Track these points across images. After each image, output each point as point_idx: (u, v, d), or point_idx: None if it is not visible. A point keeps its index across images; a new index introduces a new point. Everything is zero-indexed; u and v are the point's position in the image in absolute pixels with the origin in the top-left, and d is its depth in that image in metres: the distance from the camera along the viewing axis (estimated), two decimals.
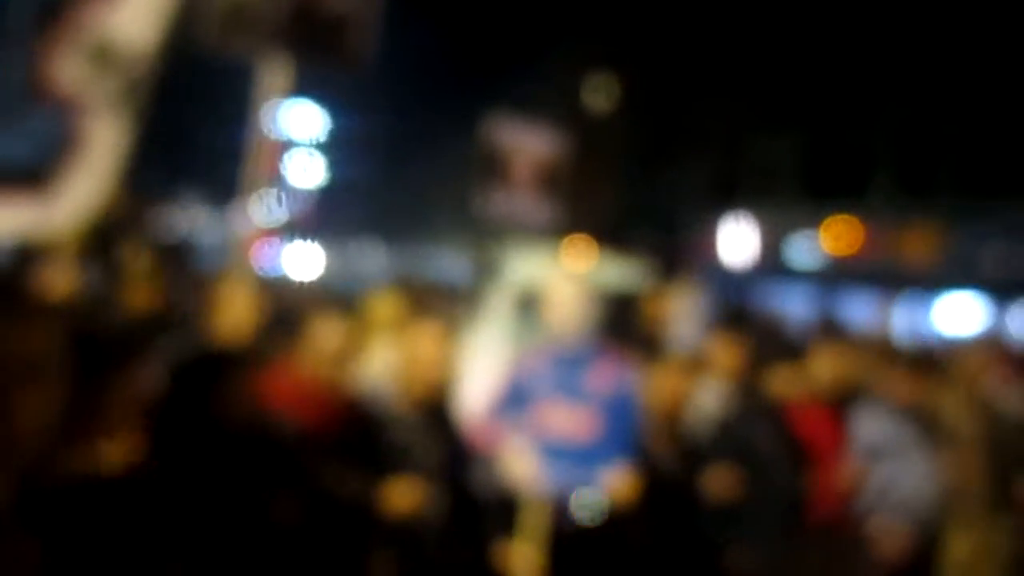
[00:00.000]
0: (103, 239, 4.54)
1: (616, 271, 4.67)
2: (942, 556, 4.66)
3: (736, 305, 9.06)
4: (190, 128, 18.76)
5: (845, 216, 15.43)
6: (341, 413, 3.37)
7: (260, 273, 5.25)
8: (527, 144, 5.73)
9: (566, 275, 4.11)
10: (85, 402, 1.97)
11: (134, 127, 2.67)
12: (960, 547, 4.67)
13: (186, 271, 6.40)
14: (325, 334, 3.42)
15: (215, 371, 2.79)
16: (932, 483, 4.67)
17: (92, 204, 2.61)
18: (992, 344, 6.12)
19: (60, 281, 2.81)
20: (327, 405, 3.35)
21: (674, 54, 15.34)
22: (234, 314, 3.49)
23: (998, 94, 13.85)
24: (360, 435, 3.40)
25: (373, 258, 19.81)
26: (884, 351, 5.52)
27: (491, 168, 5.60)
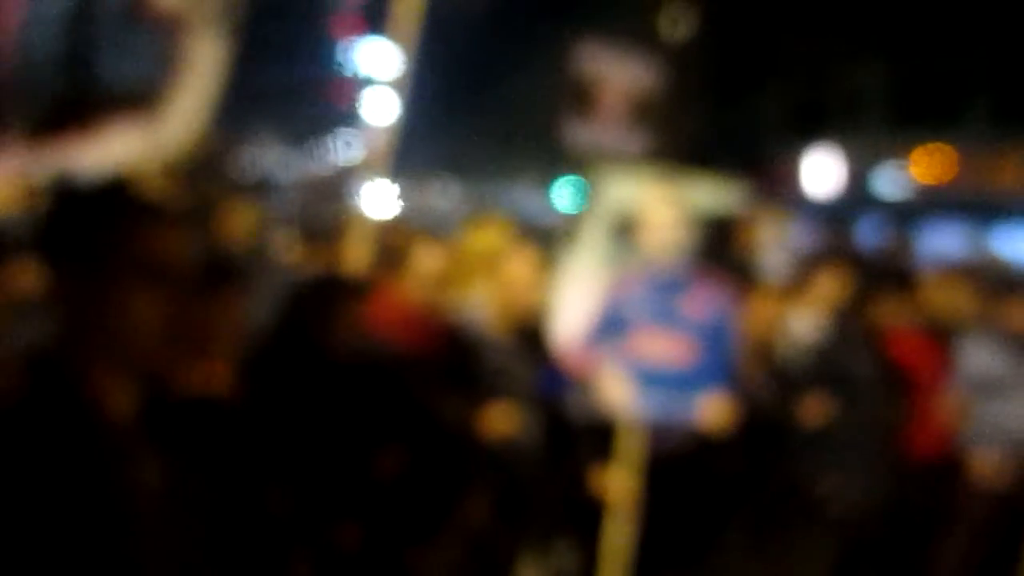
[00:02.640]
0: (191, 175, 4.59)
1: (709, 195, 4.54)
2: None
3: (833, 235, 8.81)
4: (268, 68, 18.88)
5: (936, 144, 14.85)
6: (440, 338, 3.36)
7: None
8: (614, 71, 5.59)
9: (661, 199, 4.00)
10: (192, 322, 1.96)
11: (232, 46, 2.63)
12: None
13: (269, 209, 6.49)
14: (425, 260, 3.40)
15: (331, 298, 2.79)
16: None
17: (197, 125, 2.59)
18: None
19: (174, 196, 2.83)
20: (427, 330, 3.35)
21: None
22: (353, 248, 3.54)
23: None
24: (458, 360, 3.39)
25: (449, 196, 19.81)
26: (994, 281, 5.30)
27: (578, 96, 5.48)
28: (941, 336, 4.56)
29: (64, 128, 2.37)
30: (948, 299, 4.65)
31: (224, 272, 2.28)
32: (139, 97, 2.48)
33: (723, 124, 15.33)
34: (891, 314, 4.39)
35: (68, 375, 1.47)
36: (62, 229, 1.54)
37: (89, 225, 1.52)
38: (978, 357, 4.49)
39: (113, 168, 2.40)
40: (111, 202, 1.59)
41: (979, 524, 4.54)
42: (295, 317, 2.70)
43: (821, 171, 15.78)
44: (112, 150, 2.41)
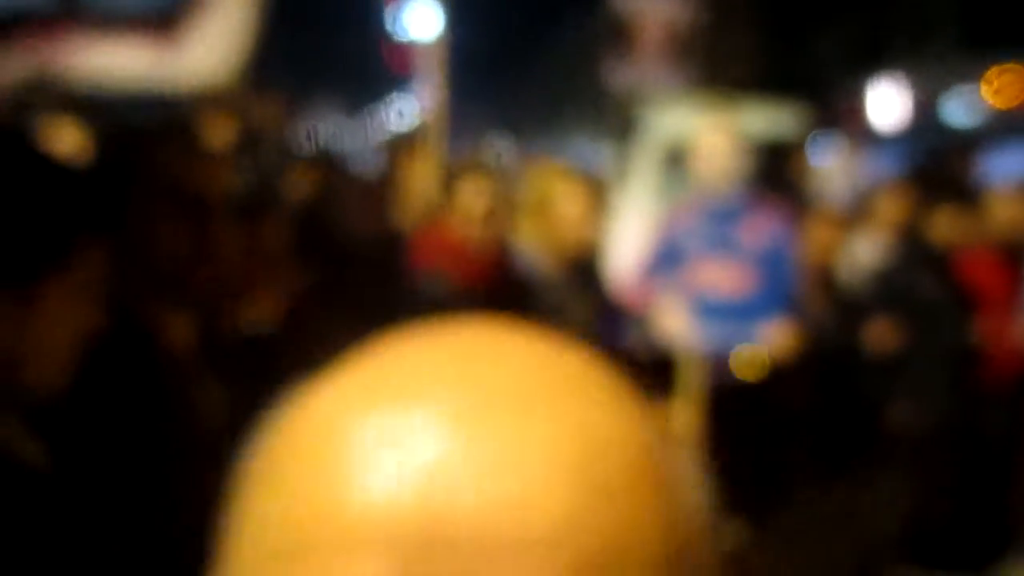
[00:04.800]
0: (252, 141, 4.65)
1: (766, 121, 4.44)
2: None
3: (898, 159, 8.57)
4: (322, 35, 18.94)
5: (1008, 65, 14.28)
6: (492, 274, 3.37)
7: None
8: (655, 8, 5.50)
9: (714, 126, 3.93)
10: (246, 258, 1.99)
11: None
12: None
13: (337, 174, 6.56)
14: (473, 195, 3.40)
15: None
16: None
17: (225, 54, 2.61)
18: None
19: (221, 132, 2.87)
20: (479, 265, 3.35)
21: None
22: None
23: None
24: (511, 296, 3.39)
25: (506, 154, 19.77)
26: None
27: (620, 36, 5.42)
28: (1011, 254, 4.41)
29: (70, 33, 2.40)
30: (1017, 216, 4.49)
31: (275, 216, 2.31)
32: (162, 21, 2.50)
33: (785, 54, 14.96)
34: (959, 234, 4.26)
35: (128, 310, 1.50)
36: (109, 162, 1.57)
37: (132, 158, 1.55)
38: None
39: (115, 79, 2.43)
40: (155, 137, 1.62)
41: None
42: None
43: (888, 99, 15.31)
44: (116, 63, 2.44)
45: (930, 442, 4.24)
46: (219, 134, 2.91)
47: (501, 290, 3.33)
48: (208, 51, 2.54)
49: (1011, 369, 4.40)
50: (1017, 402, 4.44)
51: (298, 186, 4.03)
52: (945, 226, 4.26)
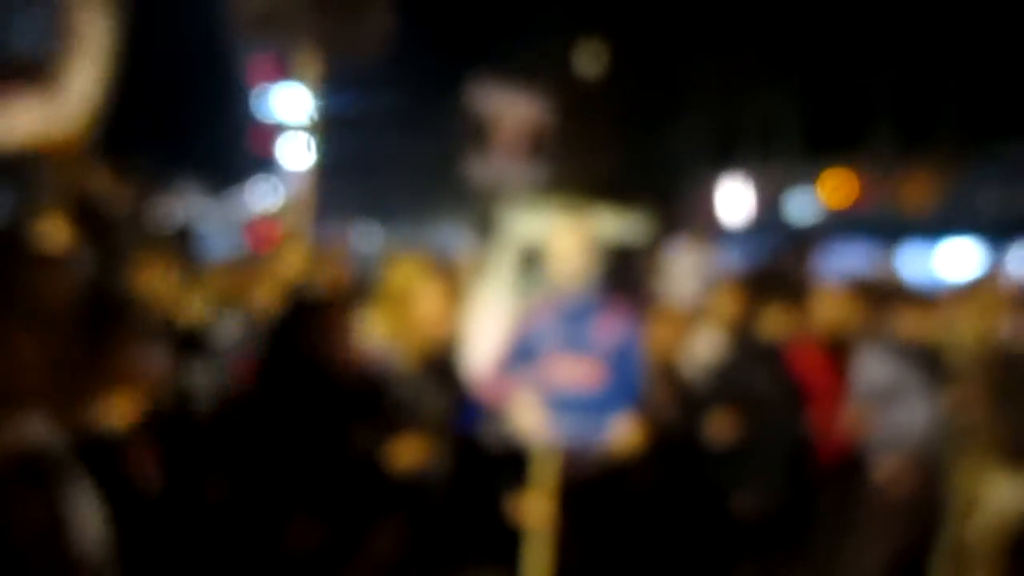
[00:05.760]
0: (103, 224, 4.59)
1: (617, 225, 4.71)
2: (949, 496, 4.71)
3: (736, 257, 9.10)
4: (185, 116, 18.68)
5: (841, 169, 15.45)
6: (351, 370, 3.43)
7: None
8: (512, 108, 5.76)
9: (568, 230, 4.14)
10: (91, 361, 2.01)
11: (122, 19, 2.68)
12: (971, 487, 4.72)
13: (189, 256, 6.47)
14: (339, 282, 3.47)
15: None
16: (938, 423, 4.72)
17: (93, 99, 2.63)
18: (997, 283, 6.13)
19: (58, 235, 2.85)
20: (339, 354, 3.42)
21: (669, 12, 15.28)
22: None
23: (992, 39, 13.81)
24: (367, 392, 3.45)
25: (371, 237, 19.80)
26: (886, 293, 5.56)
27: (478, 134, 5.64)
28: (839, 348, 4.78)
29: None
30: (843, 313, 4.88)
31: (118, 314, 2.31)
32: (35, 68, 2.51)
33: (637, 155, 15.71)
34: (790, 330, 4.59)
35: None
36: None
37: None
38: (874, 367, 4.72)
39: (16, 140, 2.42)
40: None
41: (885, 527, 4.73)
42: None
43: (734, 198, 16.24)
44: (13, 120, 2.43)
45: (769, 524, 4.49)
46: (59, 235, 2.90)
47: (357, 388, 3.39)
48: (81, 92, 2.55)
49: (840, 455, 4.72)
50: (847, 487, 4.75)
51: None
52: (777, 322, 4.59)
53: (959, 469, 4.65)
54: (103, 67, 2.61)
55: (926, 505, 4.71)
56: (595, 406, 3.98)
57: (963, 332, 4.95)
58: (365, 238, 19.31)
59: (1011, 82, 13.69)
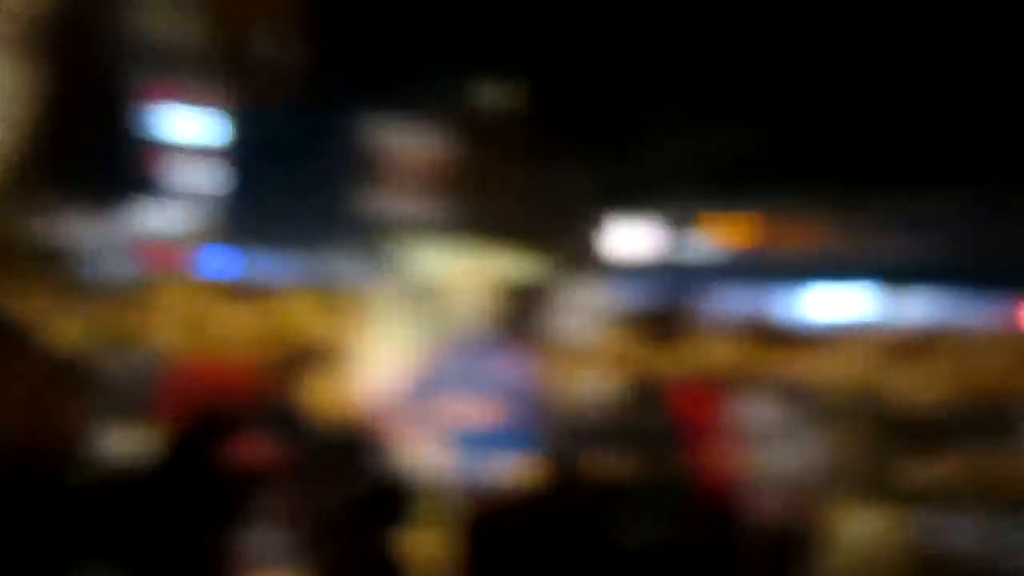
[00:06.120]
0: None
1: (517, 265, 4.84)
2: (824, 533, 4.93)
3: (630, 298, 9.34)
4: (76, 133, 18.14)
5: (734, 212, 16.00)
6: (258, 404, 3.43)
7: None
8: (410, 143, 5.84)
9: (468, 269, 4.24)
10: None
11: (39, 72, 2.65)
12: (843, 524, 4.95)
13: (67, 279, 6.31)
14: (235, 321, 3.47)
15: None
16: (814, 462, 4.95)
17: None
18: (871, 328, 6.48)
19: None
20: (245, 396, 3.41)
21: (571, 51, 15.62)
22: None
23: (872, 91, 14.58)
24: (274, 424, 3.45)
25: (277, 264, 19.52)
26: (771, 336, 5.81)
27: (374, 169, 5.70)
28: (723, 388, 4.97)
29: None
30: (730, 353, 5.08)
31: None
32: None
33: (536, 194, 15.97)
34: (678, 369, 4.77)
35: None
36: None
37: None
38: (757, 408, 4.92)
39: None
40: None
41: (765, 567, 4.92)
42: None
43: (631, 238, 16.63)
44: None
45: (657, 561, 4.62)
46: None
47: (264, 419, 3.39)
48: None
49: (723, 495, 4.89)
50: (730, 525, 4.93)
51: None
52: (663, 362, 4.75)
53: (831, 507, 4.89)
54: (10, 113, 2.59)
55: (802, 542, 4.92)
56: (492, 445, 4.07)
57: (840, 374, 5.22)
58: (262, 267, 19.01)
59: (895, 132, 14.46)
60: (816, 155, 15.64)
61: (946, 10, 13.15)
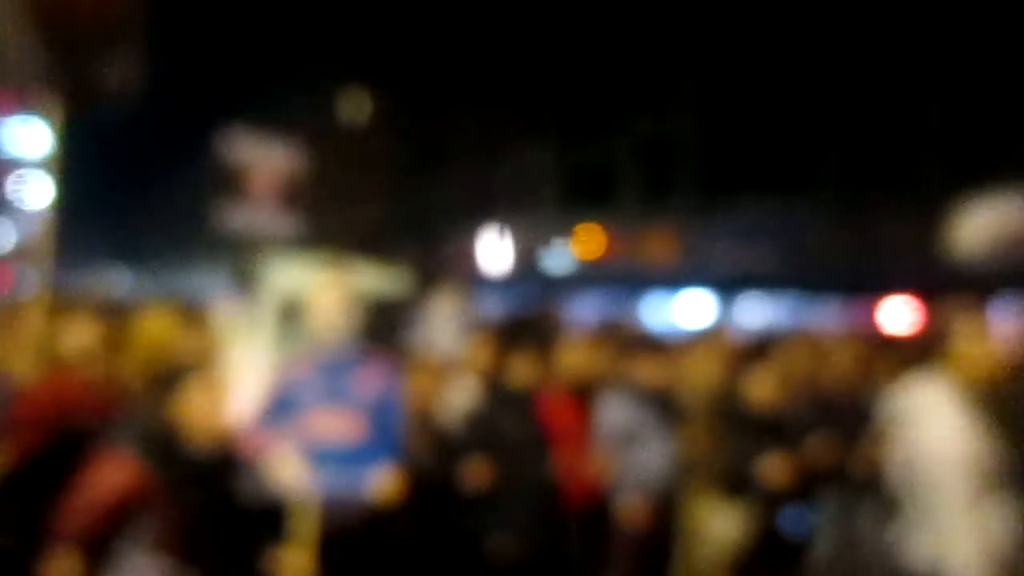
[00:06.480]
0: None
1: (378, 278, 4.82)
2: (682, 528, 5.12)
3: (493, 308, 9.45)
4: None
5: (590, 223, 16.40)
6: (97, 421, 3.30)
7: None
8: (264, 158, 5.77)
9: (328, 283, 4.20)
10: None
11: None
12: (699, 519, 5.15)
13: None
14: (80, 338, 3.34)
15: None
16: (671, 461, 5.13)
17: None
18: (724, 333, 6.74)
19: None
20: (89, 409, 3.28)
21: (430, 66, 15.69)
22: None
23: (727, 106, 15.25)
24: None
25: (123, 281, 18.75)
26: (628, 342, 5.99)
27: (228, 183, 5.60)
28: (585, 394, 5.10)
29: None
30: (589, 359, 5.22)
31: None
32: None
33: (399, 207, 15.96)
34: (538, 377, 4.86)
35: None
36: None
37: None
38: (616, 411, 5.07)
39: None
40: None
41: (629, 565, 5.07)
42: None
43: (492, 249, 16.80)
44: None
45: (523, 566, 4.69)
46: None
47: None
48: None
49: (587, 497, 5.01)
50: (594, 526, 5.05)
51: None
52: (527, 370, 4.84)
53: (688, 503, 5.08)
54: None
55: (663, 538, 5.09)
56: (355, 458, 4.04)
57: (694, 377, 5.42)
58: (112, 284, 18.24)
59: (744, 146, 15.14)
60: (666, 167, 16.24)
61: (789, 23, 13.88)
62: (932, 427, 3.78)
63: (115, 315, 4.73)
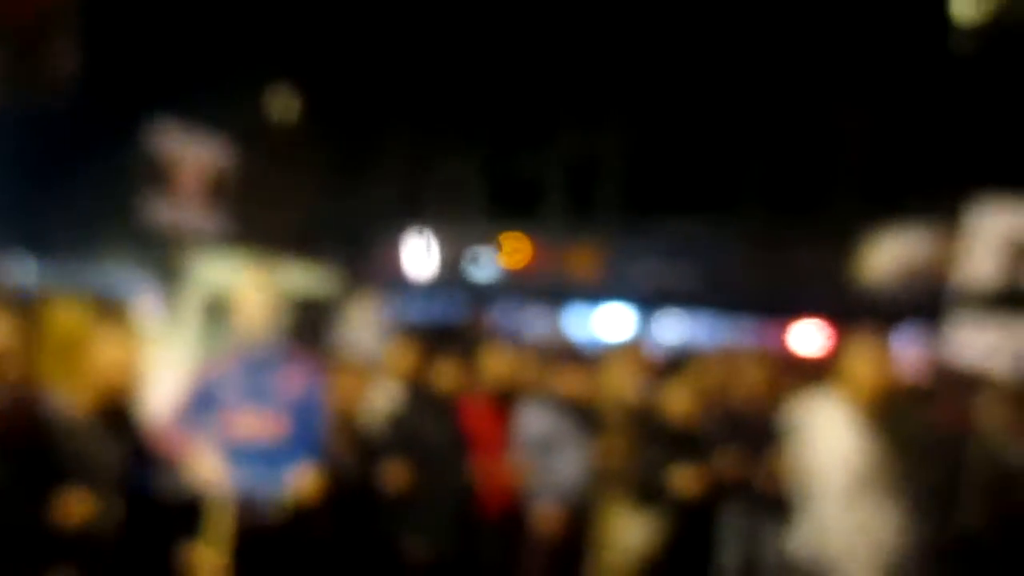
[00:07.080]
0: None
1: (303, 278, 4.83)
2: (595, 536, 5.23)
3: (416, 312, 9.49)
4: None
5: (516, 233, 16.55)
6: (12, 418, 3.25)
7: None
8: (191, 153, 5.73)
9: (253, 281, 4.19)
10: None
11: None
12: (612, 527, 5.27)
13: None
14: None
15: None
16: (587, 470, 5.25)
17: None
18: (641, 347, 6.91)
19: None
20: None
21: (362, 67, 15.66)
22: None
23: (649, 124, 15.58)
24: (29, 444, 3.29)
25: (26, 274, 18.16)
26: (548, 352, 6.10)
27: (154, 176, 5.55)
28: (505, 401, 5.19)
29: None
30: (510, 368, 5.31)
31: None
32: None
33: (325, 209, 15.86)
34: (459, 383, 4.94)
35: None
36: None
37: None
38: (535, 419, 5.17)
39: None
40: None
41: (542, 571, 5.16)
42: None
43: (418, 254, 16.81)
44: None
45: (437, 571, 4.75)
46: None
47: (20, 436, 3.23)
48: None
49: (503, 503, 5.10)
50: (510, 532, 5.13)
51: None
52: (448, 375, 4.91)
53: (601, 511, 5.20)
54: None
55: (575, 545, 5.20)
56: (275, 457, 4.04)
57: (611, 389, 5.56)
58: (20, 273, 17.64)
59: (668, 169, 15.51)
60: (592, 185, 16.51)
61: (716, 52, 14.28)
62: (820, 436, 4.22)
63: (25, 307, 4.63)
